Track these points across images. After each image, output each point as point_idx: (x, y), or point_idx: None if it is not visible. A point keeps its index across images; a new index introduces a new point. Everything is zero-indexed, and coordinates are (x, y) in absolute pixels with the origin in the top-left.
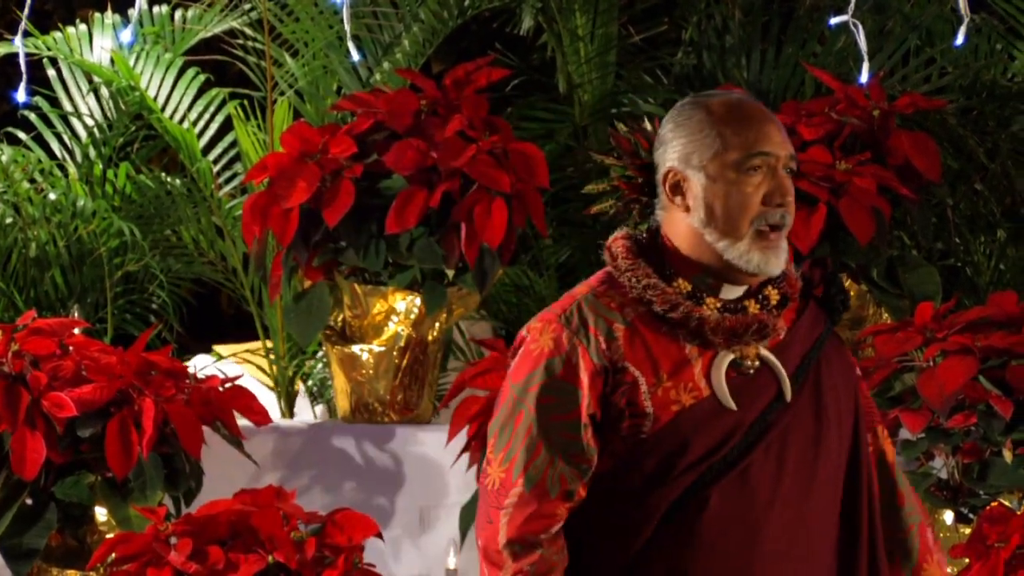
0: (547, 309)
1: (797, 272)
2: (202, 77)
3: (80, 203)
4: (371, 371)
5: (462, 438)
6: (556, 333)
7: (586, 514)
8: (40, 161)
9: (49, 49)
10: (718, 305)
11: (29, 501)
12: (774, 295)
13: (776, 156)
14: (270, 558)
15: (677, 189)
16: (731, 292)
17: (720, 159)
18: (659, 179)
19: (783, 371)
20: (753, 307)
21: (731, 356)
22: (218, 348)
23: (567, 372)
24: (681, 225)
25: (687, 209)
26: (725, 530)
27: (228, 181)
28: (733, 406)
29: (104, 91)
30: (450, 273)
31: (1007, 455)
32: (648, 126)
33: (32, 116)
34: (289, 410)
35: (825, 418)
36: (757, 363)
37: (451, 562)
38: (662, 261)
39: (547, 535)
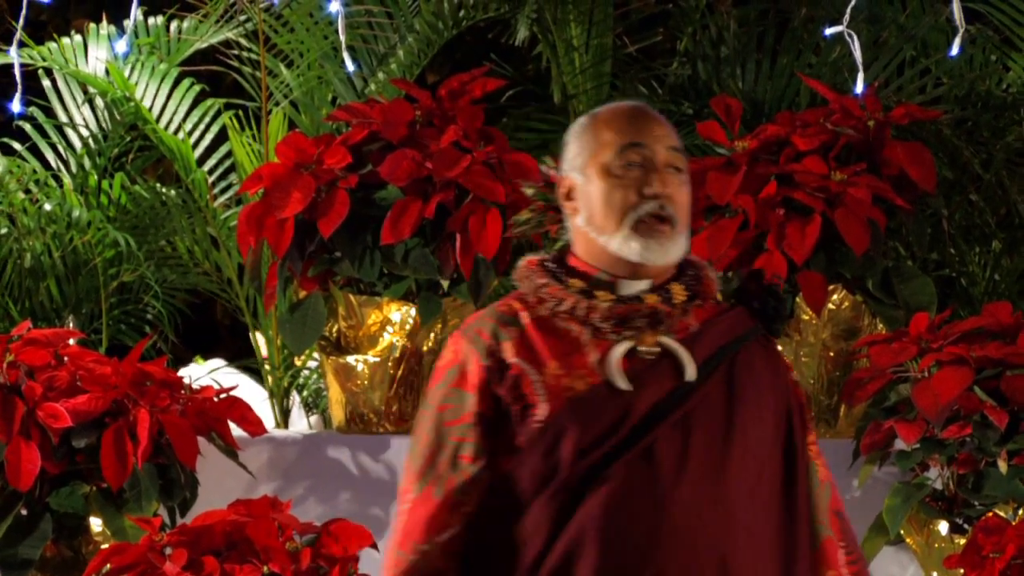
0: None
1: (716, 275)
2: (197, 88)
3: (75, 214)
4: (366, 381)
5: None
6: (456, 346)
7: (492, 516)
8: (35, 172)
9: (44, 60)
10: (612, 298)
11: (24, 512)
12: (679, 292)
13: (651, 148)
14: (265, 568)
15: (569, 195)
16: (630, 288)
17: (598, 158)
18: (557, 191)
19: (686, 354)
20: (651, 299)
21: (627, 344)
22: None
23: (460, 379)
24: (576, 230)
25: (576, 212)
26: (632, 507)
27: (223, 192)
28: (626, 385)
29: (99, 102)
30: (445, 283)
31: (1002, 466)
32: None
33: (27, 126)
34: (284, 420)
35: (740, 405)
36: (656, 350)
37: None
38: (563, 271)
39: (429, 544)
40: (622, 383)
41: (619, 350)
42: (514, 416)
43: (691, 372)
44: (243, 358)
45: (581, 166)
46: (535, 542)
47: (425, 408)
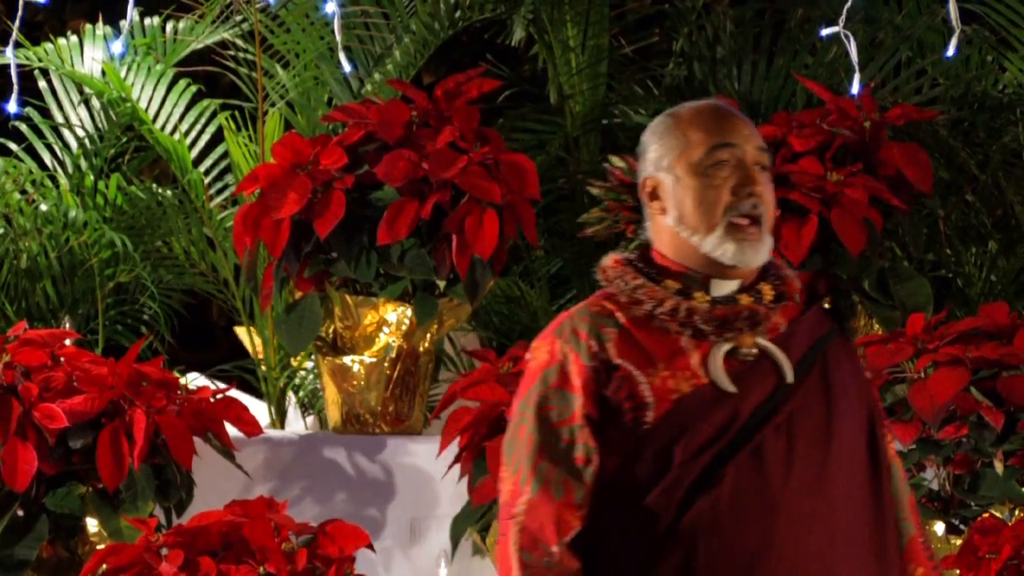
0: (544, 330)
1: (794, 274)
2: (193, 88)
3: (71, 214)
4: (362, 382)
5: (453, 449)
6: (550, 346)
7: (597, 517)
8: (31, 172)
9: (40, 60)
10: (708, 299)
11: (20, 512)
12: (768, 291)
13: (741, 148)
14: (261, 569)
15: (654, 194)
16: (721, 288)
17: (686, 157)
18: (640, 190)
19: (783, 356)
20: (745, 300)
21: (727, 345)
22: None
23: (561, 380)
24: (663, 229)
25: (664, 211)
26: (743, 508)
27: (219, 192)
28: (732, 388)
29: (95, 102)
30: (441, 284)
31: (998, 466)
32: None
33: (23, 127)
34: (280, 421)
35: (835, 404)
36: (755, 351)
37: (442, 573)
38: (652, 270)
39: (559, 546)
40: (729, 385)
41: (721, 352)
42: (621, 417)
43: (790, 373)
44: (238, 359)
45: (669, 166)
46: (645, 543)
47: (523, 410)
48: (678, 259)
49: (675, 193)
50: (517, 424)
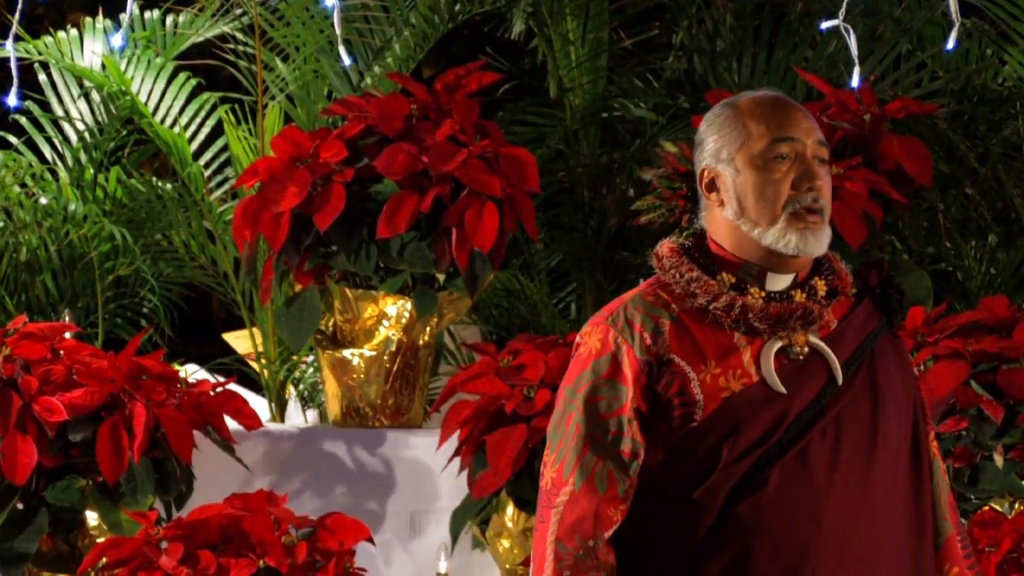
0: (597, 313)
1: (847, 268)
2: (193, 81)
3: (71, 207)
4: (362, 375)
5: (453, 442)
6: (603, 334)
7: (640, 512)
8: (31, 165)
9: (40, 53)
10: (763, 295)
11: (20, 506)
12: (821, 286)
13: (802, 142)
14: (261, 562)
15: (712, 186)
16: (777, 283)
17: (747, 149)
18: (696, 180)
19: (833, 357)
20: (799, 296)
21: (779, 343)
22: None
23: (613, 370)
24: (720, 221)
25: (722, 203)
26: (786, 511)
27: (219, 185)
28: (782, 389)
29: (95, 95)
30: (441, 277)
31: (998, 459)
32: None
33: (23, 120)
34: (280, 414)
35: (882, 403)
36: (806, 350)
37: (442, 566)
38: (707, 260)
39: (596, 539)
40: (779, 386)
41: (773, 350)
42: (670, 413)
43: (840, 375)
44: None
45: (728, 157)
46: (688, 540)
47: (572, 397)
48: (735, 250)
49: (735, 186)
50: (564, 411)
